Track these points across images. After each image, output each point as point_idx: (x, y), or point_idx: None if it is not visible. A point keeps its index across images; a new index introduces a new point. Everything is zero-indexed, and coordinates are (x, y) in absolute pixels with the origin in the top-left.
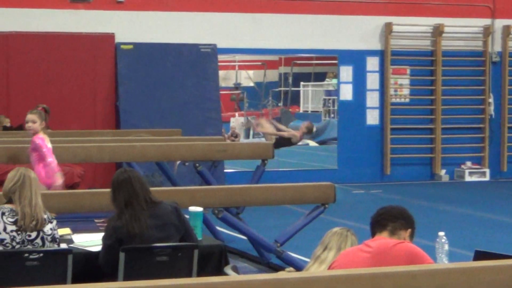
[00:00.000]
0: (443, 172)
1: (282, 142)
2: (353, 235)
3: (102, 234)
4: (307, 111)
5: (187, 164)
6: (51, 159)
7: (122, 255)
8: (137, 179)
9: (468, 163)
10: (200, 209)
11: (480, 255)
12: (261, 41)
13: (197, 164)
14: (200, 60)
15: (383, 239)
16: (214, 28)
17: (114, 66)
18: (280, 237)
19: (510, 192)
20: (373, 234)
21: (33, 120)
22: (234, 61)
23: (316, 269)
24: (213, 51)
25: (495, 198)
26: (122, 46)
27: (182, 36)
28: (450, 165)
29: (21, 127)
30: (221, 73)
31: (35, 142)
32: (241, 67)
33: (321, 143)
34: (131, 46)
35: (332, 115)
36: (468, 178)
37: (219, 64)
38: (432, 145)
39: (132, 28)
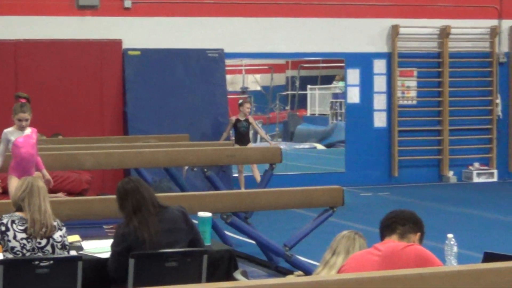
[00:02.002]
0: (451, 173)
1: None
2: (361, 238)
3: (111, 240)
4: (315, 114)
5: (195, 169)
6: None
7: (131, 262)
8: (144, 186)
9: (476, 164)
10: (209, 214)
11: (489, 257)
12: (267, 45)
13: (206, 169)
14: (207, 65)
15: (392, 242)
16: (221, 33)
17: (122, 72)
18: (289, 241)
19: None
20: (382, 238)
21: (27, 118)
22: (241, 66)
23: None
24: (221, 56)
25: (504, 199)
26: (129, 52)
27: (189, 42)
28: (458, 167)
29: None
30: (228, 77)
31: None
32: (248, 71)
33: (328, 146)
34: (138, 52)
35: (339, 118)
36: (476, 179)
37: (227, 68)
38: (440, 147)
39: (139, 34)
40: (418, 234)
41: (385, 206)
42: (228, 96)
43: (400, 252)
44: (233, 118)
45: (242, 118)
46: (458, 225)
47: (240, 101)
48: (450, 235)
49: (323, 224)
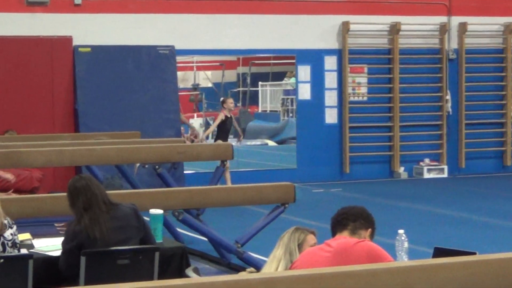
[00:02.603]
0: (401, 169)
1: None
2: (311, 233)
3: (63, 238)
4: (266, 110)
5: (146, 166)
6: None
7: (82, 259)
8: (95, 184)
9: (427, 160)
10: (160, 211)
11: (439, 252)
12: (218, 42)
13: (157, 166)
14: (158, 62)
15: (343, 238)
16: (172, 29)
17: (72, 69)
18: (240, 238)
19: (468, 188)
20: (333, 234)
21: None
22: (193, 62)
23: (274, 269)
24: (171, 52)
25: (454, 195)
26: (80, 49)
27: (140, 38)
28: (409, 163)
29: None
30: (180, 74)
31: None
32: (199, 68)
33: (280, 142)
34: (89, 49)
35: (290, 115)
36: (426, 175)
37: (178, 65)
38: (391, 143)
39: (89, 31)
40: (369, 230)
41: (336, 203)
42: (180, 93)
43: (352, 248)
44: (222, 115)
45: (229, 115)
46: (409, 221)
47: (222, 98)
48: (401, 231)
49: (275, 220)
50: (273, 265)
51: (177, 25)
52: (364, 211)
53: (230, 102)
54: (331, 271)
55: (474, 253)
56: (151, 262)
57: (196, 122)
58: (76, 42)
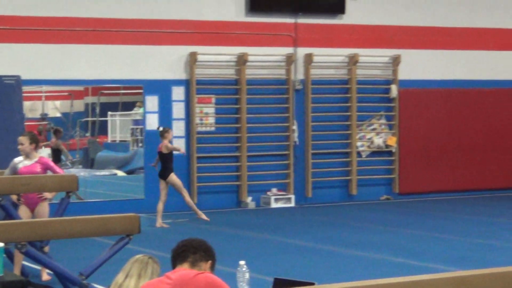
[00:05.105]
0: (249, 199)
1: None
2: (155, 263)
3: None
4: (115, 140)
5: None
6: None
7: None
8: None
9: (274, 190)
10: (1, 244)
11: (278, 283)
12: (66, 72)
13: (0, 198)
14: (4, 91)
15: (183, 270)
16: (17, 59)
17: None
18: (85, 270)
19: (314, 217)
20: (174, 266)
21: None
22: (41, 92)
23: None
24: (17, 82)
25: (300, 224)
26: None
27: None
28: (256, 192)
29: None
30: (28, 104)
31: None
32: (48, 98)
33: (129, 172)
34: None
35: (140, 145)
36: (274, 205)
37: (25, 95)
38: (238, 173)
39: None
40: (210, 262)
41: (183, 233)
42: (28, 123)
43: (191, 280)
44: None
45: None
46: (255, 251)
47: (161, 128)
48: (242, 262)
49: (120, 251)
50: None
51: (24, 54)
52: (204, 243)
53: (171, 133)
54: None
55: (312, 284)
56: None
57: (44, 152)
58: None
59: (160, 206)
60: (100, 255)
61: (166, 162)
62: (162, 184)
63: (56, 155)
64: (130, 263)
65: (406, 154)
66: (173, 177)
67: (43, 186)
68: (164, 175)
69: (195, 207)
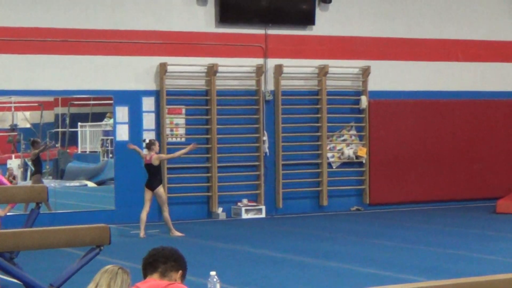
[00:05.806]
0: (220, 210)
1: None
2: (125, 273)
3: None
4: (86, 151)
5: None
6: None
7: None
8: None
9: (245, 201)
10: None
11: None
12: (36, 82)
13: None
14: None
15: (154, 281)
16: None
17: None
18: (55, 281)
19: (285, 228)
20: (144, 276)
21: None
22: (10, 103)
23: None
24: None
25: (271, 235)
26: None
27: None
28: (227, 203)
29: None
30: None
31: None
32: (18, 109)
33: (100, 183)
34: None
35: (110, 155)
36: (244, 216)
37: None
38: (209, 184)
39: None
40: (180, 271)
41: (154, 244)
42: None
43: None
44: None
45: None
46: (225, 261)
47: (147, 140)
48: (213, 273)
49: (90, 262)
50: None
51: None
52: (175, 252)
53: (158, 145)
54: None
55: None
56: None
57: (14, 163)
58: None
59: (144, 216)
60: (70, 266)
61: (156, 173)
62: (148, 195)
63: (36, 165)
64: (100, 274)
65: (376, 165)
66: (161, 189)
67: (13, 196)
68: (152, 186)
69: (171, 224)
